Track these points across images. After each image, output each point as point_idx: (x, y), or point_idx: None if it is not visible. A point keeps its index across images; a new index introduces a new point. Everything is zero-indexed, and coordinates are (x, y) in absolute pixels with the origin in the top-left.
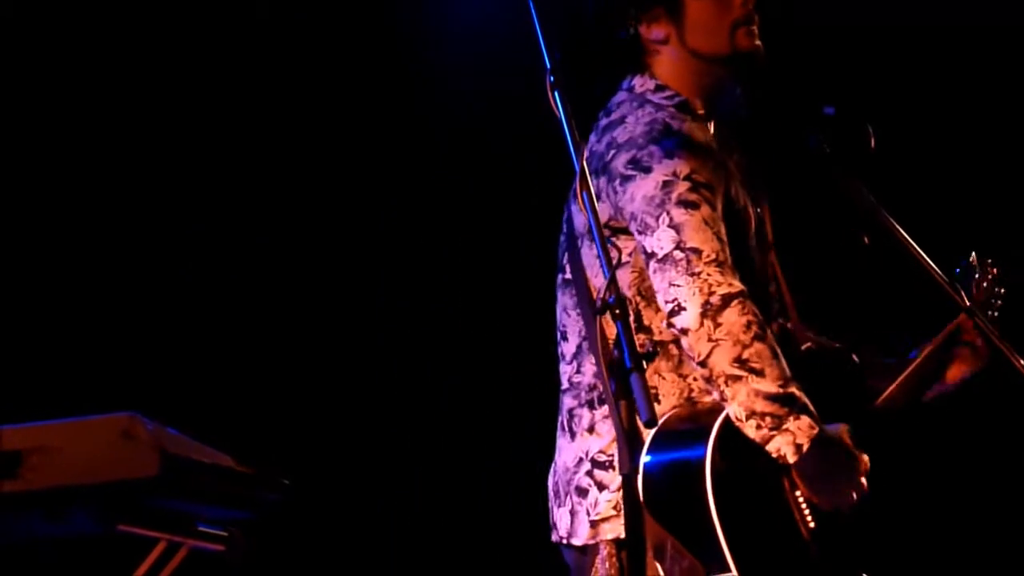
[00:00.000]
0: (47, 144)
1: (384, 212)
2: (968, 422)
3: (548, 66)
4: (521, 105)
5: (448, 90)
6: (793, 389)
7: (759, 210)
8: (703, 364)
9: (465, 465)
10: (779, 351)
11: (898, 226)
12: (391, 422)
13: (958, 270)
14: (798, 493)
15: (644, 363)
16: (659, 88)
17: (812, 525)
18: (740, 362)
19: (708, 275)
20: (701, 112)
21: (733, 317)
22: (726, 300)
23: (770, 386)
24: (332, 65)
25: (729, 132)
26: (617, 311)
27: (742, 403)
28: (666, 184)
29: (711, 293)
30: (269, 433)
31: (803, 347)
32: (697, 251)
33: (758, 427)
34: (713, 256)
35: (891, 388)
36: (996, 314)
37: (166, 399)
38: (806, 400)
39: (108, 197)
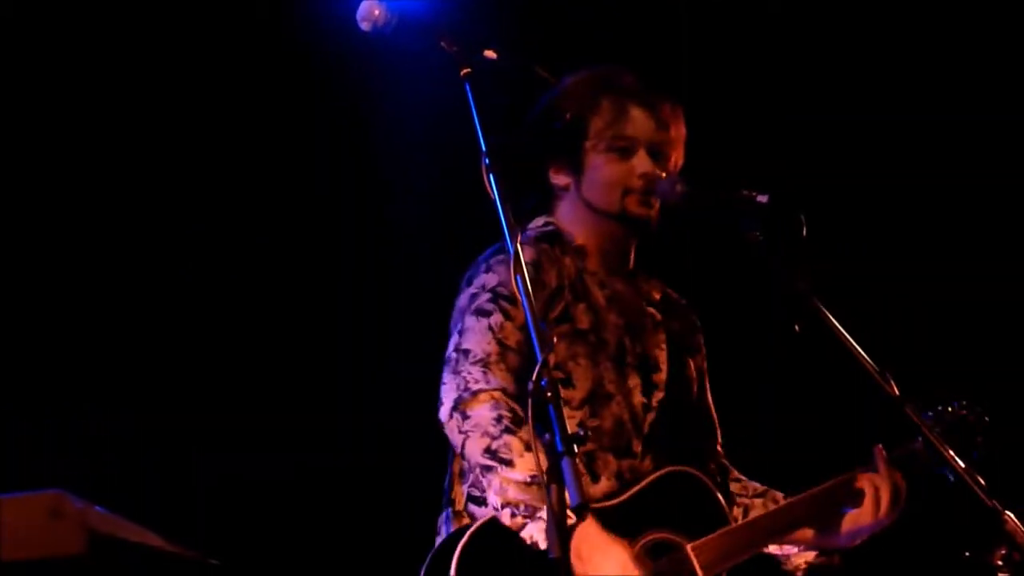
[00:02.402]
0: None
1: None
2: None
3: (483, 148)
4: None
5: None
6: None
7: (633, 341)
8: (462, 455)
9: None
10: (537, 447)
11: (830, 315)
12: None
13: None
14: None
15: (575, 446)
16: (546, 224)
17: None
18: (490, 453)
19: (469, 373)
20: (578, 244)
21: (483, 411)
22: (477, 395)
23: (521, 475)
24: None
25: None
26: (549, 394)
27: (496, 492)
28: (472, 296)
29: (465, 389)
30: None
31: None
32: (466, 352)
33: (512, 515)
34: (481, 357)
35: (758, 517)
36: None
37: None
38: None
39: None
